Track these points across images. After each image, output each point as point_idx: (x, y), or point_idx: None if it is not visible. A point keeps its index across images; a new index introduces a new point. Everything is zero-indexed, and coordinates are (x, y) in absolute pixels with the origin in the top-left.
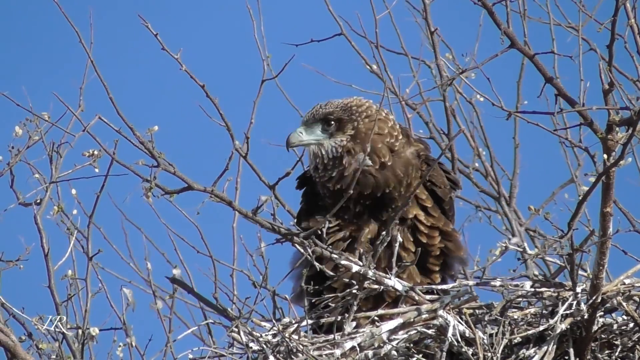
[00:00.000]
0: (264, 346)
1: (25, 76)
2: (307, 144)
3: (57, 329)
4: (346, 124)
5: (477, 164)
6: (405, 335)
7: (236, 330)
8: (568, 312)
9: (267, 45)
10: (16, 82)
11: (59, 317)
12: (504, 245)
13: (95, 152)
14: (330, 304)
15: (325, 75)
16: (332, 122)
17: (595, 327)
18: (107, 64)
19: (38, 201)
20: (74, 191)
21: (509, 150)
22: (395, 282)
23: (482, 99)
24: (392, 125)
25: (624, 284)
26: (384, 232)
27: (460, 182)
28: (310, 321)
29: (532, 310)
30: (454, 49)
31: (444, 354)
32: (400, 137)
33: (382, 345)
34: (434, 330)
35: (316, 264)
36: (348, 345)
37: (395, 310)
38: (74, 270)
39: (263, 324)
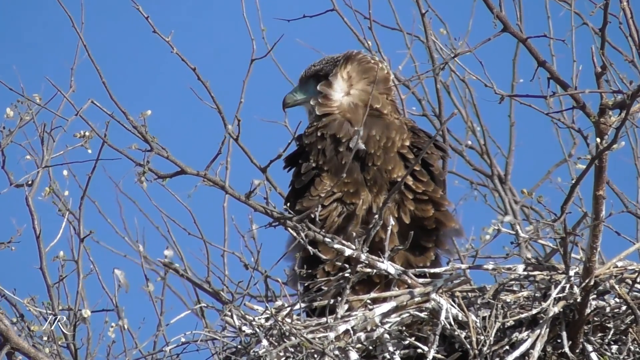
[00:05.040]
0: (257, 330)
1: (16, 57)
2: (301, 102)
3: (48, 311)
4: None
5: (469, 142)
6: (398, 319)
7: (229, 314)
8: (561, 295)
9: (260, 24)
10: (7, 63)
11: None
12: (497, 228)
13: (87, 134)
14: (323, 287)
15: (320, 51)
16: (323, 78)
17: (588, 310)
18: (99, 47)
19: (30, 183)
20: (65, 172)
21: (504, 129)
22: (387, 266)
23: (475, 79)
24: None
25: (617, 266)
26: (376, 216)
27: (448, 150)
28: (303, 305)
29: (524, 293)
30: (448, 25)
31: (437, 337)
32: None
33: (374, 328)
34: (426, 313)
35: (309, 247)
36: (341, 328)
37: (388, 293)
38: (70, 251)
39: (256, 307)
